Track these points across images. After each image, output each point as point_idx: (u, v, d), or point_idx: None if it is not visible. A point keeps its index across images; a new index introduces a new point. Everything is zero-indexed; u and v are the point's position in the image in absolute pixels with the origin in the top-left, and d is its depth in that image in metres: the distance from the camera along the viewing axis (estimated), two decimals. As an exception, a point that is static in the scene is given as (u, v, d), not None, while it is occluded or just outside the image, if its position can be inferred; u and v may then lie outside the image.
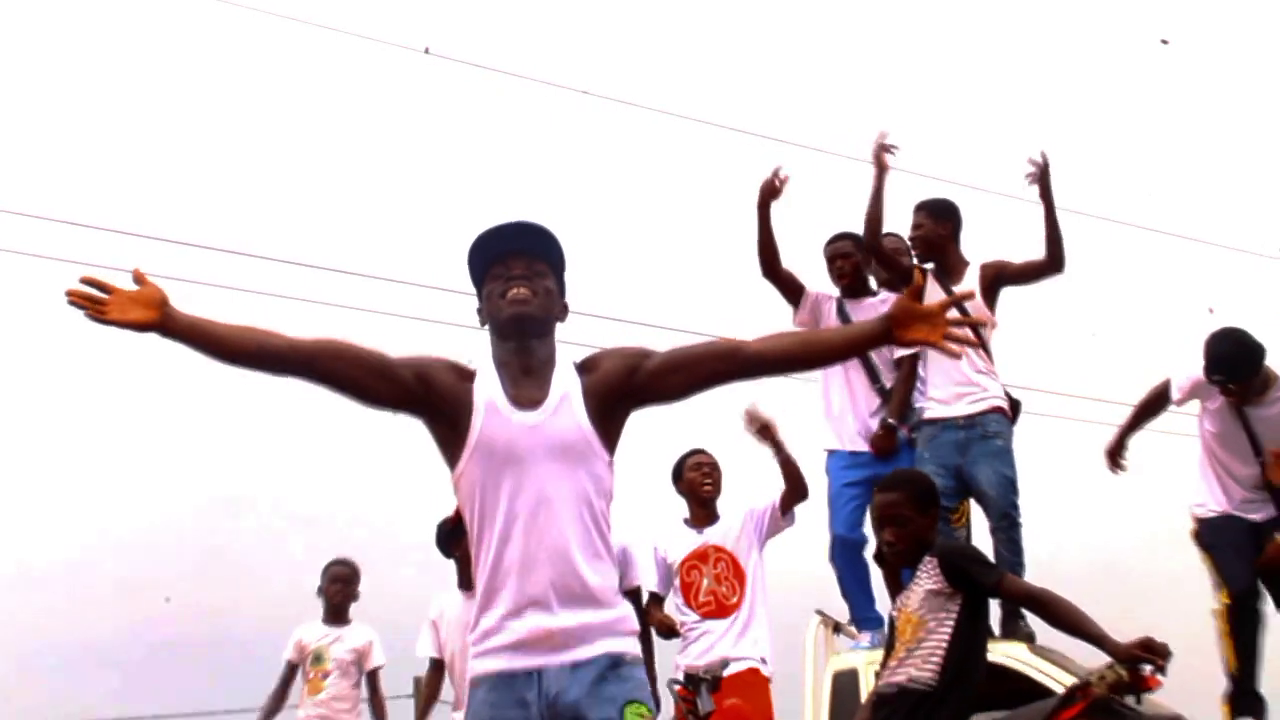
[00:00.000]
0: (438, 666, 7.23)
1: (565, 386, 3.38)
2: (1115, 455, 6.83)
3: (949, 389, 6.64)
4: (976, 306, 6.42)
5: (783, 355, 3.53)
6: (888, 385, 6.94)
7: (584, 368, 3.45)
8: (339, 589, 8.01)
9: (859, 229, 7.00)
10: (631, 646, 3.32)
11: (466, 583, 7.00)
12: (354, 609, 8.14)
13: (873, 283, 7.23)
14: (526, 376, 3.36)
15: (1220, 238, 15.34)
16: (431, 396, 3.33)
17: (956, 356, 4.05)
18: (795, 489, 6.80)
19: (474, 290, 3.53)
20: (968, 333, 4.13)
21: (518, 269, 3.38)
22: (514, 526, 3.26)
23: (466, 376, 3.38)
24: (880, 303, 6.91)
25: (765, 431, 6.59)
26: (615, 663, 3.28)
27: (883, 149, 6.80)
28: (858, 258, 7.08)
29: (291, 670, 7.95)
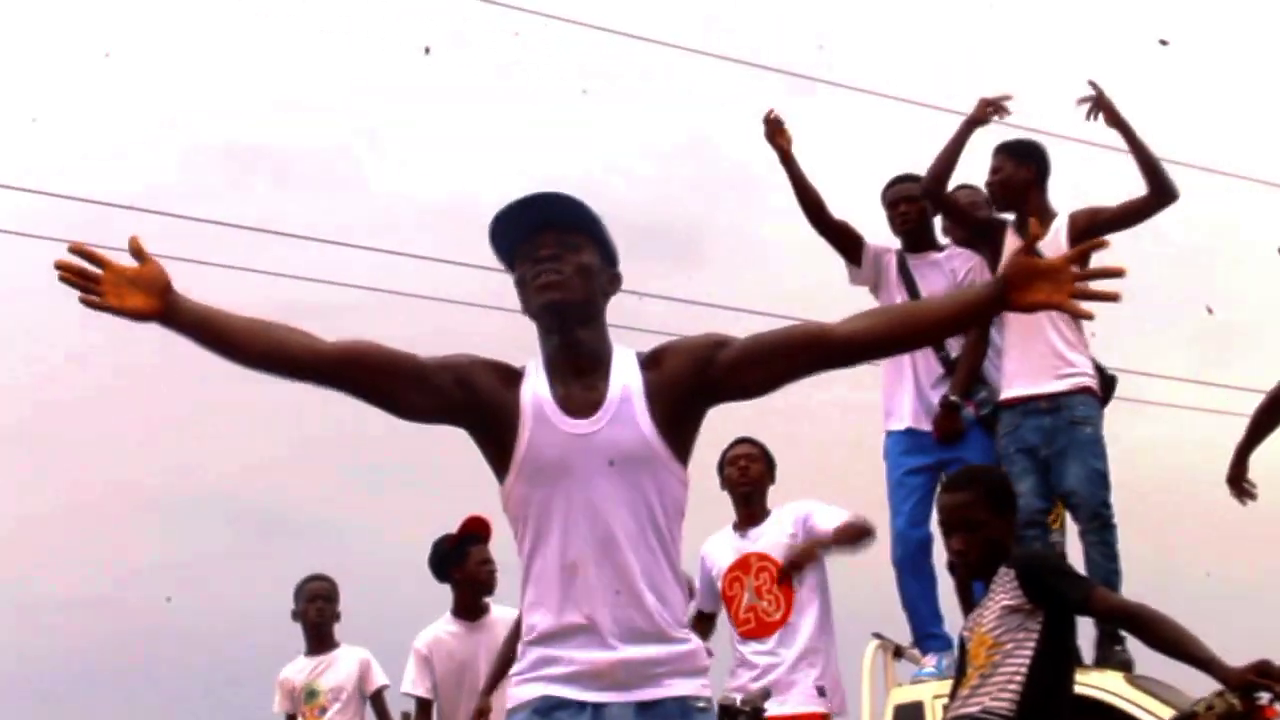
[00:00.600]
0: (425, 708, 6.78)
1: (625, 385, 3.06)
2: (1238, 482, 5.98)
3: (1030, 362, 6.15)
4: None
5: (880, 335, 3.19)
6: (953, 354, 6.40)
7: (649, 362, 3.12)
8: (318, 608, 7.43)
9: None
10: (701, 689, 3.05)
11: (463, 611, 6.71)
12: (337, 630, 7.57)
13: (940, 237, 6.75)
14: (578, 376, 3.06)
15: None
16: (475, 405, 3.04)
17: (1089, 317, 3.59)
18: (852, 538, 6.29)
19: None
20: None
21: (547, 248, 3.03)
22: (569, 551, 3.00)
23: (513, 380, 3.08)
24: (947, 258, 6.48)
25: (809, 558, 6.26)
26: (685, 710, 3.03)
27: (991, 105, 6.40)
28: (924, 203, 6.56)
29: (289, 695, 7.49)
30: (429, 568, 6.69)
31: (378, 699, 7.30)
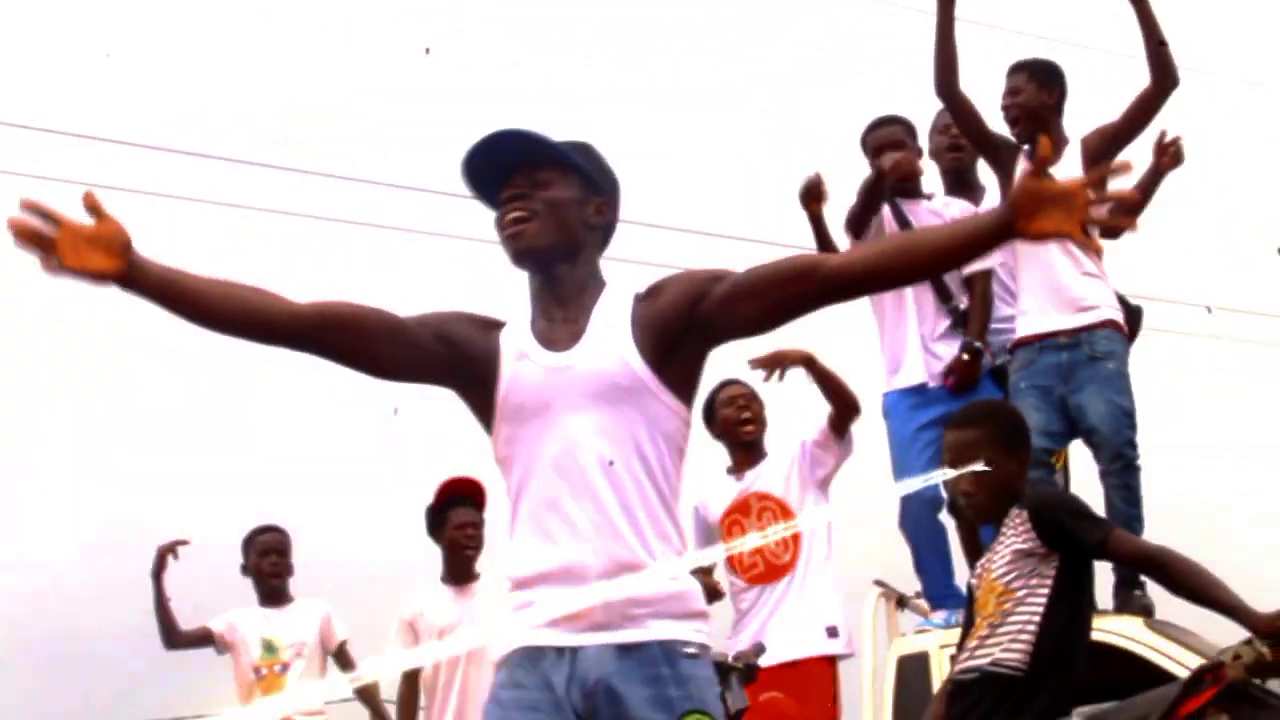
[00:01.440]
0: (410, 678, 6.73)
1: (610, 316, 3.05)
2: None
3: (1047, 296, 5.95)
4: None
5: (876, 266, 3.11)
6: (962, 305, 6.27)
7: (646, 294, 3.10)
8: (272, 561, 7.30)
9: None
10: (692, 634, 2.95)
11: (450, 576, 6.68)
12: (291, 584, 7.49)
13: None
14: (560, 307, 3.05)
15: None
16: (456, 358, 3.05)
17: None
18: (842, 404, 6.15)
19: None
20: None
21: (514, 187, 3.02)
22: (549, 487, 2.97)
23: (493, 326, 3.10)
24: (945, 205, 6.33)
25: (798, 362, 6.06)
26: (670, 655, 2.94)
27: None
28: (913, 147, 6.43)
29: (205, 639, 7.30)
30: (427, 531, 6.71)
31: (341, 653, 7.21)
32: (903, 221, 6.22)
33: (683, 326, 2.97)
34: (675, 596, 2.96)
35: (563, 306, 3.05)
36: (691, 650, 2.94)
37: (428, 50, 11.23)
